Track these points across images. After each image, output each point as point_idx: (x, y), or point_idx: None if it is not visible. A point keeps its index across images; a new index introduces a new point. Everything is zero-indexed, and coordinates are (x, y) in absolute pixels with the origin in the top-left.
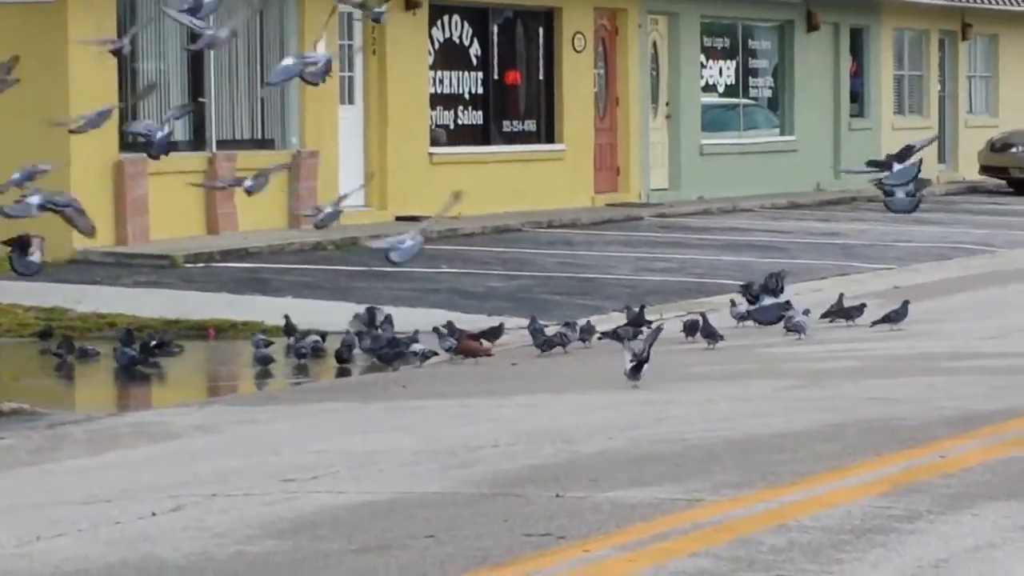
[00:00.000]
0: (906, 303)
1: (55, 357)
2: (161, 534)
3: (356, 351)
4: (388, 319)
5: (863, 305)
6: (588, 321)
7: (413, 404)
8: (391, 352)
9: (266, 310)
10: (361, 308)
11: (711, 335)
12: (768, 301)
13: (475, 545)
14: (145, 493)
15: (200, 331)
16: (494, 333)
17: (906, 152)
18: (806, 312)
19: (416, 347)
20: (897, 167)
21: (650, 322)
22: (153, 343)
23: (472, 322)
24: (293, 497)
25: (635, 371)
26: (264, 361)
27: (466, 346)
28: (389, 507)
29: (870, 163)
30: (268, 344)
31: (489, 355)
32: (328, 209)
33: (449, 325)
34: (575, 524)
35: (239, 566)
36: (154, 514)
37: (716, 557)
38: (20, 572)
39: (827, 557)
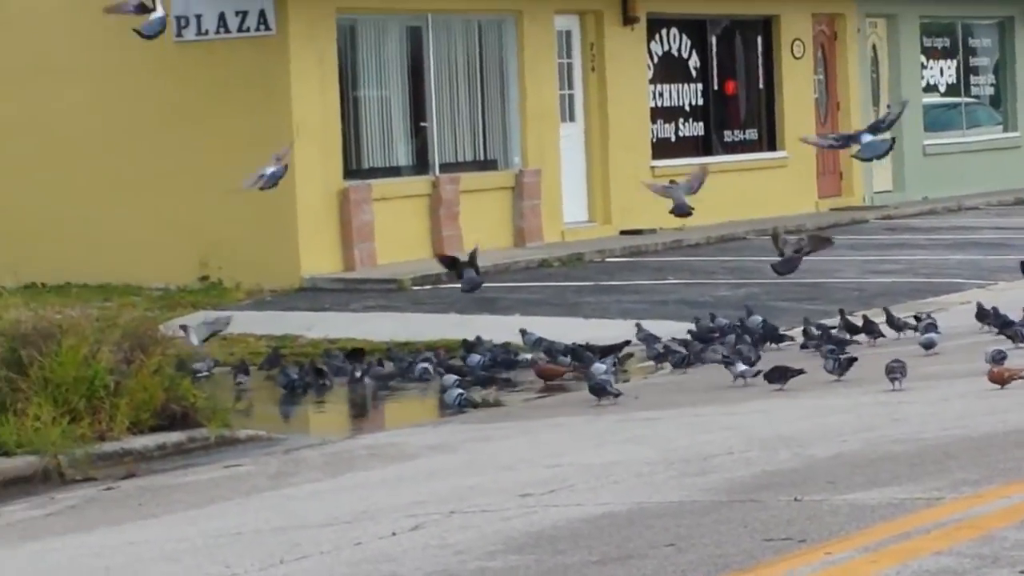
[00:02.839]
0: None
1: (300, 382)
2: (402, 553)
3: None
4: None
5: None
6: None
7: (646, 415)
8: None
9: (495, 328)
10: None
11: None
12: None
13: (716, 552)
14: (384, 513)
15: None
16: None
17: (876, 125)
18: None
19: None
20: (867, 138)
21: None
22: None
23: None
24: (531, 511)
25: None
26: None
27: (544, 370)
28: (627, 518)
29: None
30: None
31: (569, 376)
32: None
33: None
34: (815, 527)
35: None
36: (394, 534)
37: (959, 555)
38: None
39: None
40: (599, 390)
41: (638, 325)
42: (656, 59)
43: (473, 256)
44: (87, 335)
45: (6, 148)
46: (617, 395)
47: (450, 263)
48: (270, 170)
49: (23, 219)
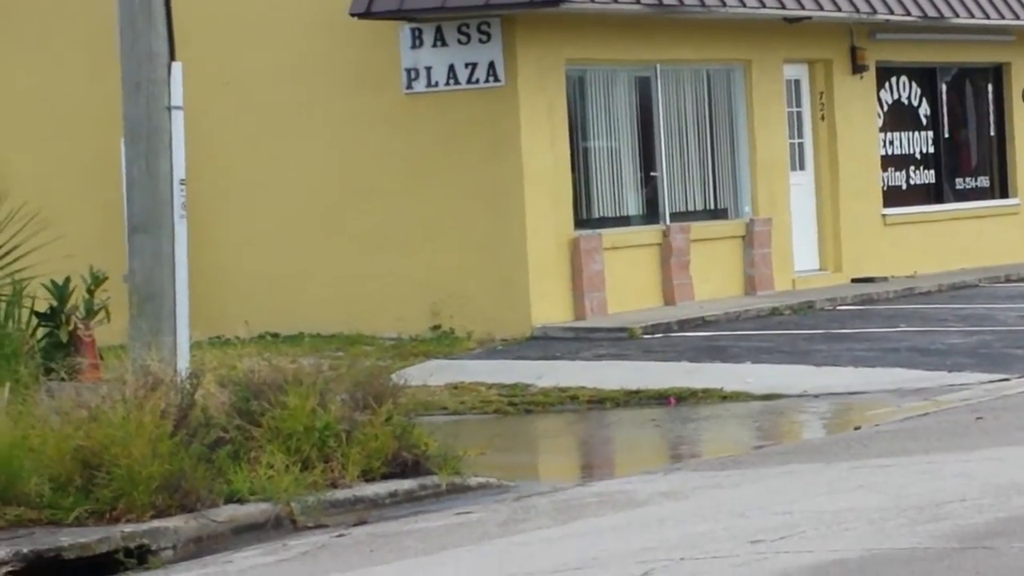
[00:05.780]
0: None
1: None
2: None
3: None
4: None
5: None
6: None
7: (878, 462)
8: None
9: (725, 376)
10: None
11: None
12: None
13: None
14: (613, 560)
15: (661, 399)
16: None
17: None
18: None
19: None
20: None
21: None
22: None
23: (933, 379)
24: (762, 558)
25: None
26: None
27: None
28: (858, 565)
29: None
30: None
31: None
32: None
33: None
34: None
35: None
36: None
37: None
38: None
39: None
40: None
41: None
42: (886, 107)
43: None
44: (316, 385)
45: (241, 202)
46: None
47: None
48: None
49: (258, 270)
